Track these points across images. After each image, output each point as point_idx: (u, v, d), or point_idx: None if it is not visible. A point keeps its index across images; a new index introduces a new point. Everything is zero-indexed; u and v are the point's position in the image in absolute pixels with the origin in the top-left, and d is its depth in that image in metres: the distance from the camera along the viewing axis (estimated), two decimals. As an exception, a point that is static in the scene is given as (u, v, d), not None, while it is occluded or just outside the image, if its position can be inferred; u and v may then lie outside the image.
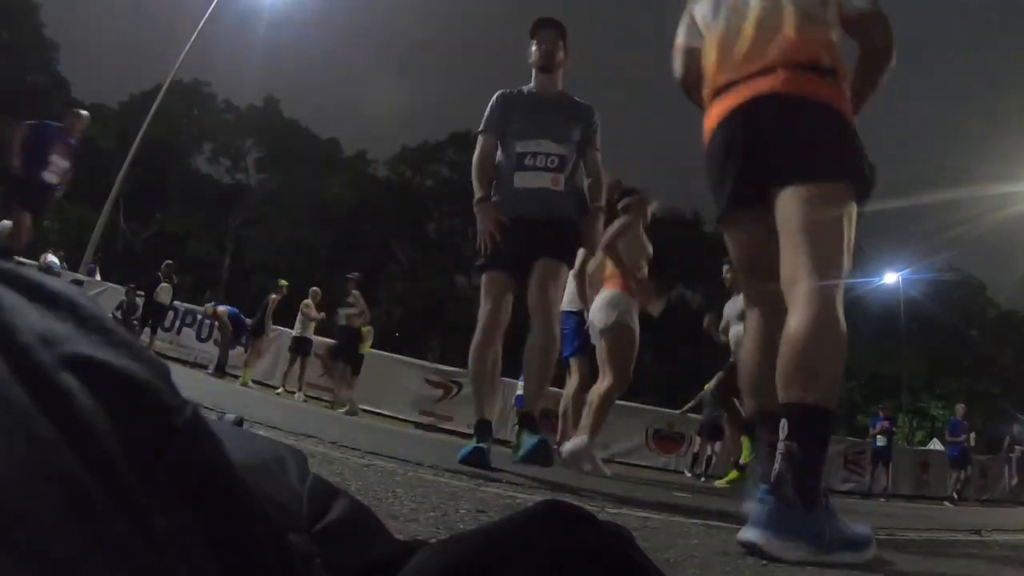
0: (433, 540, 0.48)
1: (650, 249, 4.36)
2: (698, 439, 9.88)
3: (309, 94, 53.27)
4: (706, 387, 7.88)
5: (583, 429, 3.98)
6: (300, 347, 10.05)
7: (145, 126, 13.51)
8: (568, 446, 3.90)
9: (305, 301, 10.27)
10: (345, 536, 0.43)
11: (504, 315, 2.99)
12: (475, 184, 3.11)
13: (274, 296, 10.35)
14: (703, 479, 8.19)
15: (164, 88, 14.42)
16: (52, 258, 11.29)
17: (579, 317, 5.07)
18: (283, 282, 10.71)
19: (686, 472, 9.80)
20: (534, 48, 3.15)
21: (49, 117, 6.91)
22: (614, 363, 4.04)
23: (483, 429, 2.81)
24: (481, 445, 2.65)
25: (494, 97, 3.16)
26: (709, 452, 9.18)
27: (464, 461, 2.51)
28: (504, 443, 6.72)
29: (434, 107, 55.47)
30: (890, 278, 22.42)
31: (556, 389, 5.34)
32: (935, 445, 15.72)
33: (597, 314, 4.16)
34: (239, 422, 0.64)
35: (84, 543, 0.20)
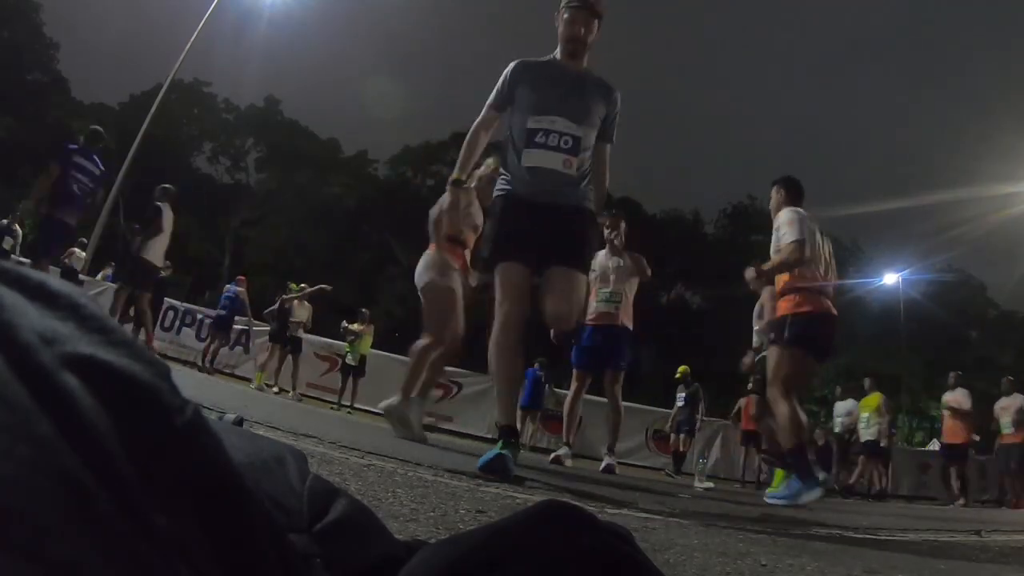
0: (433, 540, 0.48)
1: (478, 220, 4.19)
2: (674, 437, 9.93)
3: (309, 94, 53.36)
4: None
5: (403, 390, 4.00)
6: (291, 344, 9.98)
7: (145, 126, 13.53)
8: (383, 403, 3.98)
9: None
10: (345, 536, 0.43)
11: (527, 310, 2.78)
12: (458, 161, 2.95)
13: (285, 297, 10.24)
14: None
15: (164, 88, 14.43)
16: (80, 253, 11.46)
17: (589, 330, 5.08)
18: (293, 285, 10.57)
19: (689, 476, 9.81)
20: (565, 25, 2.85)
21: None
22: (430, 321, 4.04)
23: (509, 434, 2.65)
24: (505, 452, 2.44)
25: (509, 67, 2.90)
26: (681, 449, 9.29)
27: (485, 468, 2.31)
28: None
29: (435, 107, 55.52)
30: (890, 278, 22.43)
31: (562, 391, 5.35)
32: (935, 446, 15.70)
33: (416, 276, 4.14)
34: (239, 422, 0.63)
35: (84, 543, 0.20)
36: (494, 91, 2.92)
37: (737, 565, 1.29)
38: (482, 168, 4.33)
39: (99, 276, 12.71)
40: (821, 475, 3.76)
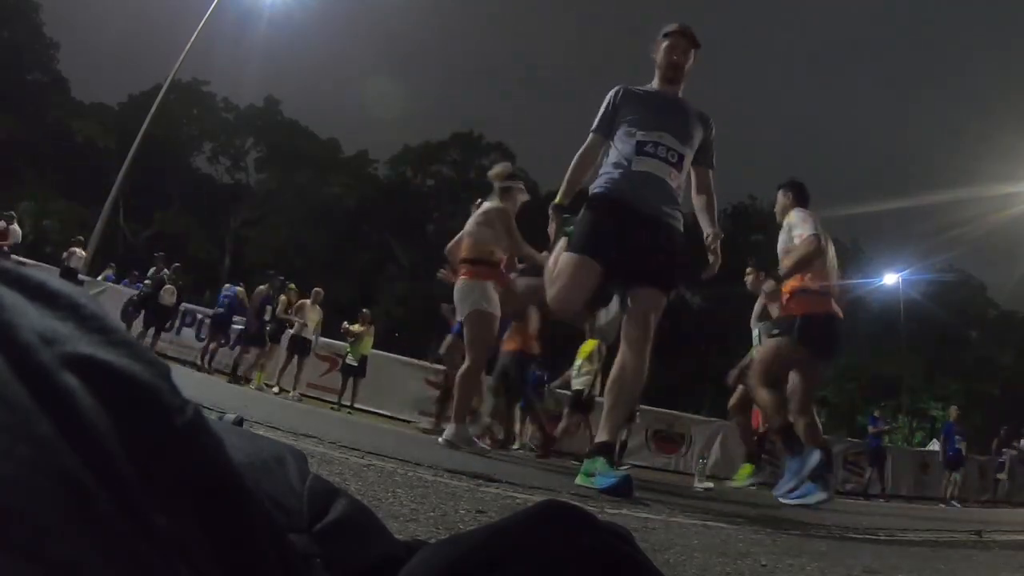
0: (433, 540, 0.48)
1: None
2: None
3: (309, 94, 53.33)
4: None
5: (455, 415, 4.11)
6: (298, 346, 9.98)
7: (145, 126, 13.53)
8: (445, 434, 4.06)
9: (304, 300, 10.21)
10: (345, 536, 0.43)
11: (581, 299, 2.92)
12: (564, 183, 3.05)
13: (283, 298, 10.19)
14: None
15: (164, 88, 14.43)
16: (80, 253, 11.48)
17: None
18: (292, 286, 10.49)
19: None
20: (664, 52, 3.04)
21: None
22: (471, 347, 4.14)
23: (609, 451, 2.79)
24: (629, 475, 2.61)
25: (613, 92, 3.04)
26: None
27: (612, 492, 2.42)
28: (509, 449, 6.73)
29: (435, 107, 55.49)
30: (890, 279, 22.42)
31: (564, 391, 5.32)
32: (935, 446, 15.74)
33: (458, 304, 4.22)
34: (239, 422, 0.63)
35: (84, 543, 0.20)
36: (599, 115, 3.03)
37: (737, 565, 1.28)
38: (499, 168, 4.47)
39: (99, 276, 12.72)
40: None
